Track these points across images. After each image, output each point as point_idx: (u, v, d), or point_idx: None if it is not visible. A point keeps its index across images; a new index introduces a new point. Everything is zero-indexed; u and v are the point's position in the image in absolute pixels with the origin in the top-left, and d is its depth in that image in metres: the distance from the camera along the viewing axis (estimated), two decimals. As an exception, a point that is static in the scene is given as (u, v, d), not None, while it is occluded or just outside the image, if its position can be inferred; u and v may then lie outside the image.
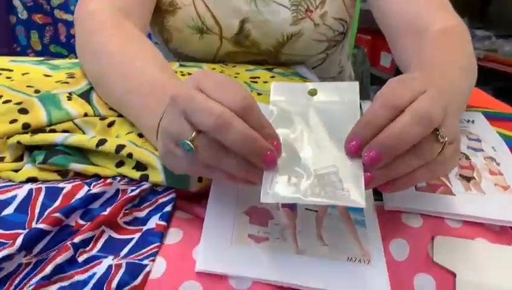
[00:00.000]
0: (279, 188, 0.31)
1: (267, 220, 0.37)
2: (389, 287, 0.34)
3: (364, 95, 1.26)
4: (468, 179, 0.43)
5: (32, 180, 0.39)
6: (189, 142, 0.31)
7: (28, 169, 0.40)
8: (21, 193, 0.37)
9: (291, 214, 0.38)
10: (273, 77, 0.60)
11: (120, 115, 0.46)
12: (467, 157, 0.46)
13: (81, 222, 0.36)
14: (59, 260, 0.32)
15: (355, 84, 0.36)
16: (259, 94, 0.53)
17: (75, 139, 0.40)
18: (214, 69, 0.60)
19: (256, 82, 0.58)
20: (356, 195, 0.30)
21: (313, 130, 0.34)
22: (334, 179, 0.31)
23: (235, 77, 0.58)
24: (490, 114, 0.56)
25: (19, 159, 0.42)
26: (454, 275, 0.36)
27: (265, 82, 0.58)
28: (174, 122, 0.33)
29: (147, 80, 0.43)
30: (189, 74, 0.57)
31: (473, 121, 0.52)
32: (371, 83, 1.55)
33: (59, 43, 1.13)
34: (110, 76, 0.45)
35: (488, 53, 1.90)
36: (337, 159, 0.32)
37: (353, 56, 1.30)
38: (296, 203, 0.39)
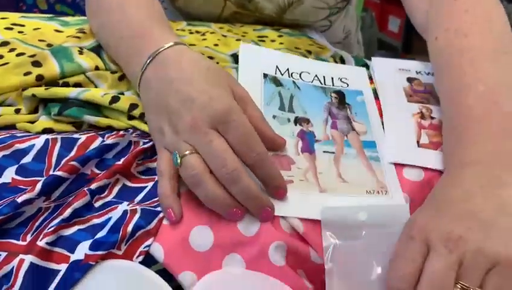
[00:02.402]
0: None
1: (290, 165, 0.40)
2: (409, 214, 0.36)
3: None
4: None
5: (48, 131, 0.40)
6: (179, 158, 0.34)
7: (44, 120, 0.41)
8: (38, 142, 0.38)
9: (310, 157, 0.41)
10: (280, 36, 0.60)
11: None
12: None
13: (96, 171, 0.38)
14: (77, 204, 0.34)
15: (406, 207, 0.37)
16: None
17: (89, 94, 0.41)
18: (221, 28, 0.60)
19: (264, 41, 0.58)
20: None
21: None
22: None
23: (243, 36, 0.58)
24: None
25: (34, 111, 0.43)
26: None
27: (273, 41, 0.58)
28: (178, 138, 0.35)
29: (136, 27, 0.43)
30: (197, 32, 0.57)
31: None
32: (378, 47, 1.53)
33: (65, 2, 1.12)
34: (107, 25, 0.46)
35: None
36: None
37: (361, 19, 1.28)
38: (314, 145, 0.42)
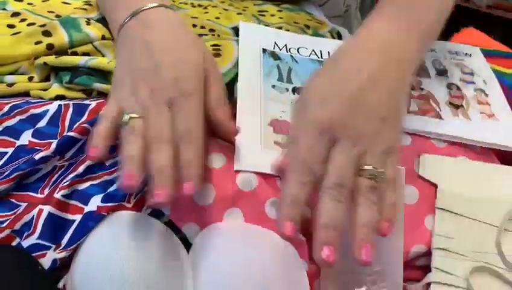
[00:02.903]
0: None
1: (288, 129, 0.42)
2: (404, 177, 0.38)
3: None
4: (456, 106, 0.47)
5: (60, 97, 0.43)
6: (127, 118, 0.35)
7: (56, 88, 0.44)
8: (52, 108, 0.41)
9: None
10: (280, 11, 0.62)
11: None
12: (458, 88, 0.49)
13: (106, 133, 0.41)
14: (89, 162, 0.37)
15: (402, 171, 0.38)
16: (266, 25, 0.56)
17: (96, 62, 0.44)
18: (222, 2, 0.62)
19: (264, 15, 0.60)
20: None
21: None
22: None
23: (244, 10, 0.60)
24: (487, 51, 0.58)
25: (46, 79, 0.46)
26: (435, 186, 0.41)
27: (273, 15, 0.60)
28: (135, 99, 0.36)
29: None
30: (199, 5, 0.59)
31: (469, 55, 0.55)
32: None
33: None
34: None
35: (498, 0, 1.86)
36: None
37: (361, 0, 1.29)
38: None
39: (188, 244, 0.37)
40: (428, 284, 0.37)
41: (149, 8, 0.40)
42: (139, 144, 0.34)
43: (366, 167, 0.33)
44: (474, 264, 0.36)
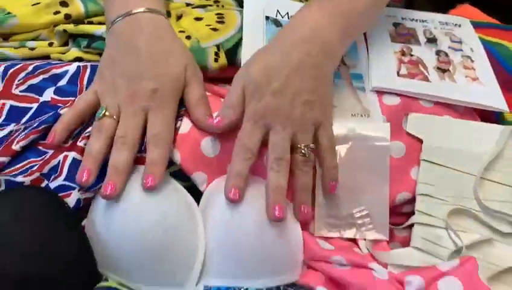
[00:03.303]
0: None
1: None
2: (389, 131, 0.43)
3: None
4: (443, 71, 0.51)
5: (78, 60, 0.47)
6: (103, 113, 0.39)
7: (74, 51, 0.48)
8: (71, 68, 0.45)
9: None
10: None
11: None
12: (446, 55, 0.53)
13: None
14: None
15: (387, 126, 0.43)
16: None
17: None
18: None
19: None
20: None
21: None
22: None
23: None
24: (476, 23, 0.62)
25: (64, 45, 0.49)
26: (421, 141, 0.45)
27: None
28: (114, 97, 0.40)
29: None
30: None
31: (459, 25, 0.58)
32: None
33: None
34: None
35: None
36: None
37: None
38: None
39: (196, 191, 0.41)
40: (412, 225, 0.41)
41: (141, 12, 0.43)
42: (102, 141, 0.38)
43: (298, 145, 0.40)
44: (453, 207, 0.40)
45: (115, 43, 0.43)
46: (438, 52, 0.53)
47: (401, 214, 0.44)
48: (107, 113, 0.39)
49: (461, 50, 0.54)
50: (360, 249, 0.41)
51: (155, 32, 0.43)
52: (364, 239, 0.42)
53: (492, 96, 0.49)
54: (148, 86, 0.40)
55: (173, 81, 0.41)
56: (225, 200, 0.38)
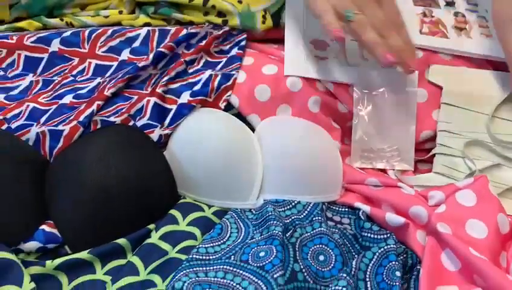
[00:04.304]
0: None
1: (326, 46, 0.54)
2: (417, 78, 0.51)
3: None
4: (460, 29, 0.58)
5: (146, 25, 0.55)
6: (352, 13, 0.46)
7: (143, 17, 0.56)
8: (142, 32, 0.54)
9: (342, 43, 0.53)
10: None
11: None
12: (463, 16, 0.60)
13: (186, 51, 0.53)
14: (178, 69, 0.50)
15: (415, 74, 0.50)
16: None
17: (174, -3, 0.56)
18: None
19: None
20: None
21: None
22: None
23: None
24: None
25: (132, 13, 0.58)
26: (441, 88, 0.52)
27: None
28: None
29: None
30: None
31: (473, -11, 0.64)
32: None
33: None
34: None
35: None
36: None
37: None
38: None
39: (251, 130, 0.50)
40: (433, 159, 0.49)
41: None
42: (373, 31, 0.45)
43: None
44: (468, 140, 0.48)
45: None
46: (456, 14, 0.60)
47: (424, 150, 0.52)
48: (356, 12, 0.46)
49: (477, 11, 0.61)
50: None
51: None
52: (393, 169, 0.50)
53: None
54: None
55: None
56: (278, 133, 0.47)
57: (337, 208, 0.46)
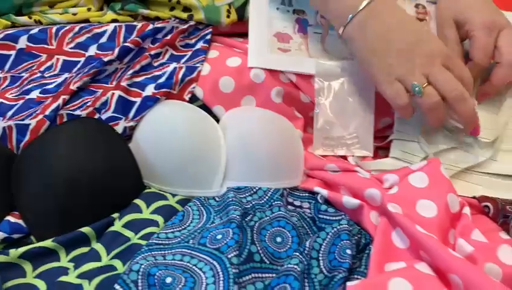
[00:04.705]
0: None
1: (289, 39, 0.55)
2: None
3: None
4: (420, 20, 0.60)
5: (114, 21, 0.56)
6: (420, 87, 0.44)
7: (110, 14, 0.57)
8: (109, 28, 0.55)
9: (304, 36, 0.56)
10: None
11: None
12: (424, 7, 0.62)
13: (151, 45, 0.54)
14: (143, 62, 0.51)
15: None
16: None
17: (139, -7, 0.57)
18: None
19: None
20: None
21: None
22: None
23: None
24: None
25: (100, 10, 0.59)
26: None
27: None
28: (411, 70, 0.44)
29: None
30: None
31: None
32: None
33: None
34: None
35: None
36: None
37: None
38: (307, 28, 0.56)
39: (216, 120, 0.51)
40: (391, 142, 0.51)
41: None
42: (442, 106, 0.44)
43: None
44: (424, 125, 0.50)
45: (367, 34, 0.47)
46: (417, 6, 0.62)
47: (384, 137, 0.54)
48: (425, 84, 0.44)
49: (435, 2, 0.63)
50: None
51: (399, 8, 0.49)
52: (353, 156, 0.51)
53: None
54: (432, 42, 0.46)
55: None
56: (241, 123, 0.48)
57: (298, 193, 0.48)
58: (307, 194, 0.48)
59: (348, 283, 0.34)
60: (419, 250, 0.38)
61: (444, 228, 0.40)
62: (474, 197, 0.45)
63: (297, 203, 0.47)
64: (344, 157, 0.52)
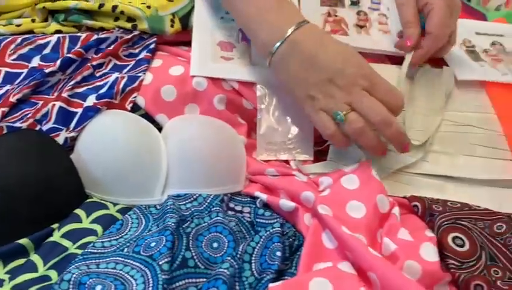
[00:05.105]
0: None
1: (232, 48, 0.57)
2: None
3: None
4: (361, 27, 0.62)
5: (58, 32, 0.57)
6: (341, 115, 0.44)
7: (54, 25, 0.57)
8: (53, 39, 0.55)
9: (248, 44, 0.57)
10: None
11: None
12: (365, 14, 0.64)
13: (95, 55, 0.55)
14: (85, 73, 0.52)
15: None
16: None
17: (83, 4, 0.57)
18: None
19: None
20: None
21: None
22: None
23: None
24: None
25: (45, 21, 0.59)
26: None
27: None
28: (332, 99, 0.45)
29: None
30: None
31: (380, -12, 0.69)
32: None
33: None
34: None
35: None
36: None
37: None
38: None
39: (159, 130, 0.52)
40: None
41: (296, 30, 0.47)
42: (371, 132, 0.44)
43: None
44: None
45: (296, 62, 0.47)
46: (358, 12, 0.64)
47: (323, 141, 0.55)
48: (347, 111, 0.44)
49: (378, 10, 0.65)
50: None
51: (322, 35, 0.49)
52: (294, 160, 0.53)
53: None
54: (352, 68, 0.46)
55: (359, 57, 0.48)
56: (182, 130, 0.49)
57: (240, 198, 0.49)
58: (248, 199, 0.49)
59: (271, 284, 0.36)
60: (345, 250, 0.39)
61: (372, 228, 0.42)
62: (405, 197, 0.47)
63: (238, 208, 0.48)
64: (287, 162, 0.53)
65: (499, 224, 0.43)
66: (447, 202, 0.45)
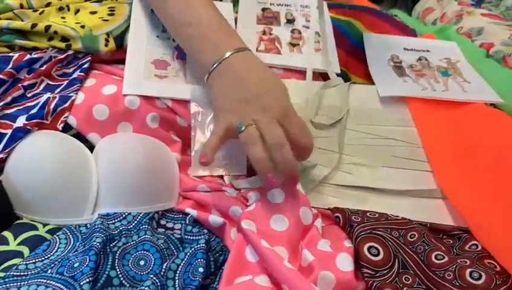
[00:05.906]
0: None
1: (166, 66, 0.58)
2: None
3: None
4: (294, 45, 0.64)
5: (-11, 52, 0.57)
6: (243, 125, 0.46)
7: (-14, 45, 0.57)
8: (-17, 59, 0.55)
9: (183, 62, 0.59)
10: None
11: (47, 5, 0.62)
12: (299, 32, 0.67)
13: (27, 76, 0.55)
14: (15, 94, 0.52)
15: None
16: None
17: (16, 24, 0.57)
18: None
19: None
20: None
21: None
22: None
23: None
24: (331, 4, 0.75)
25: (-24, 40, 0.59)
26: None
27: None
28: (244, 114, 0.47)
29: (207, 17, 0.53)
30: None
31: (316, 7, 0.71)
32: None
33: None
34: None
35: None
36: None
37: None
38: (186, 55, 0.58)
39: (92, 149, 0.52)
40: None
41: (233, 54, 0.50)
42: (263, 145, 0.45)
43: None
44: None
45: (220, 84, 0.50)
46: (292, 31, 0.67)
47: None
48: (250, 125, 0.46)
49: (310, 28, 0.68)
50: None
51: (257, 62, 0.52)
52: (229, 175, 0.54)
53: (329, 62, 0.63)
54: (275, 95, 0.48)
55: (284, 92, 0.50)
56: (112, 149, 0.50)
57: (172, 215, 0.50)
58: (180, 216, 0.50)
59: (186, 300, 0.37)
60: (263, 263, 0.41)
61: (294, 240, 0.44)
62: (328, 209, 0.50)
63: (170, 225, 0.49)
64: (221, 177, 0.55)
65: (412, 233, 0.46)
66: (367, 213, 0.48)
